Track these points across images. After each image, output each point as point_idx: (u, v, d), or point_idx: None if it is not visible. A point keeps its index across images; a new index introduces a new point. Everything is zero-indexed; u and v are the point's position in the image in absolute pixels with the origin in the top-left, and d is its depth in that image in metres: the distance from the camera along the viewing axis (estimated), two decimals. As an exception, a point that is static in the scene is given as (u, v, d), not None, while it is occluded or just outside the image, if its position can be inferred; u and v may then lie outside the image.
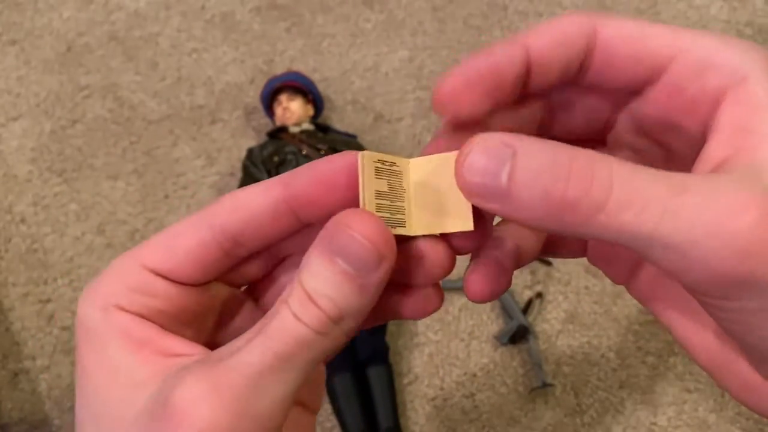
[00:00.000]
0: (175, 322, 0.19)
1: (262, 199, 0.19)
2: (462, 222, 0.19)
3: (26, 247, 0.73)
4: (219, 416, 0.16)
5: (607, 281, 0.72)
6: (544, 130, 0.22)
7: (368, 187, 0.18)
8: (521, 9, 0.86)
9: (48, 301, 0.71)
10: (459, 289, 0.71)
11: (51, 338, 0.70)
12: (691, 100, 0.17)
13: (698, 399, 0.68)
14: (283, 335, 0.17)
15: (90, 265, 0.72)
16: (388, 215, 0.19)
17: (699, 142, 0.17)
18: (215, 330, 0.22)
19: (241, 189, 0.19)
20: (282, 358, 0.17)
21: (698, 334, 0.20)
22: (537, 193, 0.15)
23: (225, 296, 0.21)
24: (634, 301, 0.74)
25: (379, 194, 0.19)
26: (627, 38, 0.18)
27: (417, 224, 0.19)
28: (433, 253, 0.19)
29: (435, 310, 0.21)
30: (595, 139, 0.22)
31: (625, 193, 0.15)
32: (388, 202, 0.19)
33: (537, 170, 0.15)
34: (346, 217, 0.17)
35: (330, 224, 0.17)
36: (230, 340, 0.21)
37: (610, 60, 0.18)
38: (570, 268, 0.73)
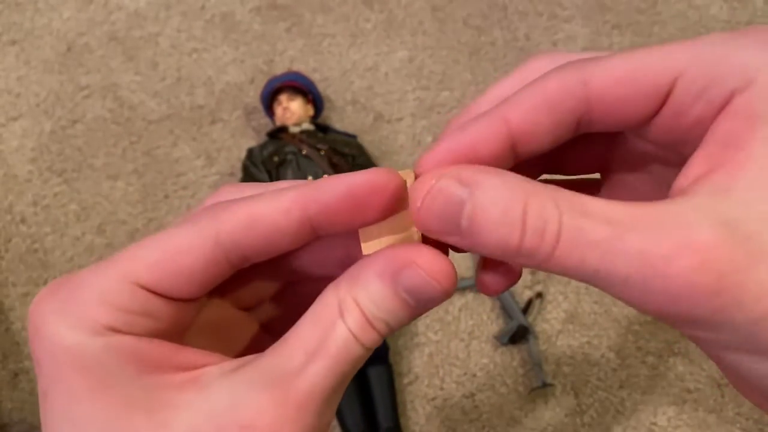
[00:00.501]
0: (167, 336, 0.18)
1: (280, 215, 0.17)
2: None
3: (26, 247, 0.73)
4: None
5: (607, 281, 0.72)
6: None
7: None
8: (521, 9, 0.86)
9: (48, 301, 0.71)
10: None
11: (51, 338, 0.70)
12: (697, 120, 0.17)
13: (698, 399, 0.68)
14: (346, 357, 0.17)
15: (90, 265, 0.72)
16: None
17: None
18: (212, 343, 0.21)
19: (252, 199, 0.18)
20: (345, 377, 0.17)
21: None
22: (496, 240, 0.16)
23: (224, 310, 0.21)
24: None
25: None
26: (621, 80, 0.17)
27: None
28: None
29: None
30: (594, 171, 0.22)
31: (571, 241, 0.15)
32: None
33: (495, 220, 0.16)
34: (417, 253, 0.17)
35: (398, 254, 0.17)
36: (225, 351, 0.20)
37: (611, 108, 0.17)
38: (570, 268, 0.73)
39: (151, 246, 0.17)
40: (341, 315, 0.17)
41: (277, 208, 0.17)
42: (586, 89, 0.17)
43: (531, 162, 0.20)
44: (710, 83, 0.16)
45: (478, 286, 0.21)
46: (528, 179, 0.16)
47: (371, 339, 0.17)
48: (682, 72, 0.16)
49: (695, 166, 0.16)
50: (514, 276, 0.20)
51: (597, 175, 0.22)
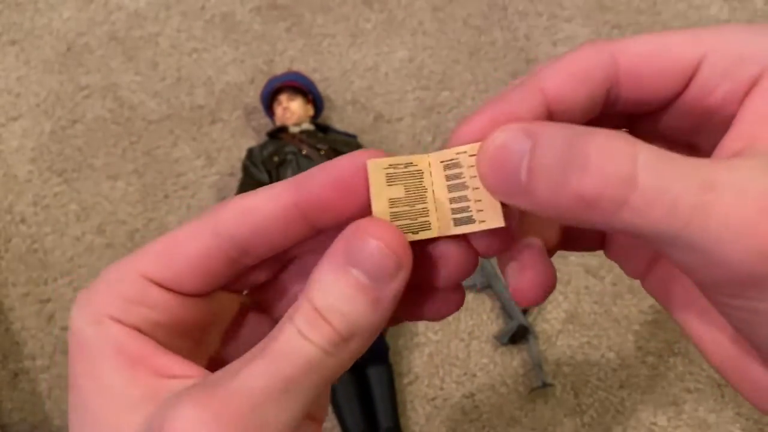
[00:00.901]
0: (174, 335, 0.18)
1: (273, 205, 0.17)
2: (491, 218, 0.17)
3: (26, 247, 0.73)
4: None
5: (607, 281, 0.72)
6: None
7: (379, 198, 0.17)
8: (521, 9, 0.86)
9: (48, 301, 0.71)
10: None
11: (51, 338, 0.70)
12: (722, 99, 0.16)
13: (698, 399, 0.68)
14: (290, 357, 0.16)
15: (90, 265, 0.72)
16: (407, 222, 0.18)
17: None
18: (221, 343, 0.20)
19: (248, 194, 0.18)
20: (288, 381, 0.16)
21: (711, 333, 0.19)
22: (552, 188, 0.14)
23: (229, 305, 0.20)
24: (635, 301, 0.74)
25: (394, 202, 0.18)
26: (649, 56, 0.17)
27: (443, 224, 0.18)
28: (456, 255, 0.18)
29: (454, 311, 0.20)
30: None
31: (652, 188, 0.13)
32: (408, 208, 0.18)
33: (553, 162, 0.14)
34: (362, 224, 0.16)
35: (344, 234, 0.16)
36: (238, 353, 0.19)
37: (639, 84, 0.17)
38: (570, 269, 0.73)
39: (159, 239, 0.18)
40: (291, 317, 0.16)
41: (268, 199, 0.17)
42: (616, 64, 0.17)
43: None
44: (736, 63, 0.16)
45: (514, 295, 0.19)
46: (597, 128, 0.15)
47: (323, 334, 0.16)
48: (708, 52, 0.16)
49: (731, 141, 0.16)
50: (552, 279, 0.19)
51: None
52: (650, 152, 0.14)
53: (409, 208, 0.18)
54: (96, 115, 0.79)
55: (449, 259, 0.18)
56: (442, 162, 0.18)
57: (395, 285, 0.16)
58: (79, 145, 0.78)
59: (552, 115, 0.17)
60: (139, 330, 0.17)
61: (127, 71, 0.82)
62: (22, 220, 0.74)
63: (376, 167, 0.17)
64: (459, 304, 0.20)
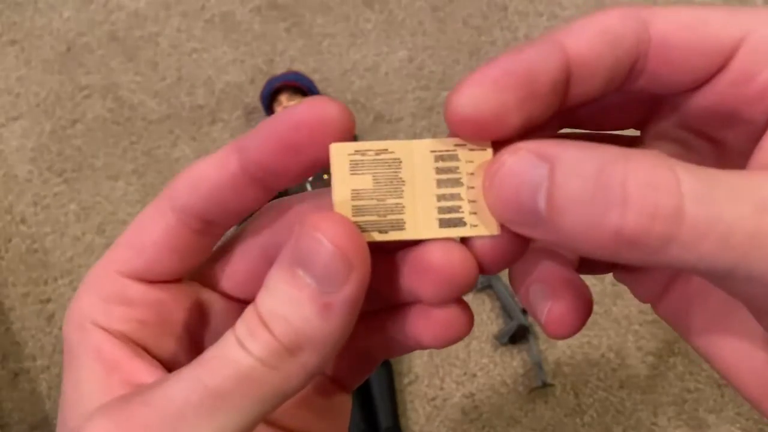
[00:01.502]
0: (159, 333, 0.17)
1: (220, 172, 0.16)
2: (486, 225, 0.15)
3: (26, 247, 0.73)
4: None
5: (608, 281, 0.72)
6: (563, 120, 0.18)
7: (341, 188, 0.15)
8: (521, 9, 0.86)
9: (48, 301, 0.71)
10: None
11: (51, 338, 0.70)
12: (761, 88, 0.14)
13: (698, 399, 0.68)
14: (220, 366, 0.14)
15: (90, 265, 0.72)
16: (374, 218, 0.15)
17: (761, 135, 0.15)
18: (206, 341, 0.19)
19: (198, 162, 0.17)
20: (215, 394, 0.14)
21: (748, 361, 0.16)
22: (583, 223, 0.12)
23: (212, 302, 0.19)
24: (635, 301, 0.74)
25: (357, 193, 0.15)
26: (685, 28, 0.15)
27: (423, 226, 0.15)
28: (451, 261, 0.15)
29: (461, 336, 0.17)
30: (626, 128, 0.18)
31: (702, 217, 0.11)
32: (375, 202, 0.15)
33: (581, 193, 0.12)
34: (311, 219, 0.14)
35: (295, 231, 0.14)
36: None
37: (669, 57, 0.15)
38: (570, 268, 0.73)
39: (126, 231, 0.17)
40: (234, 327, 0.14)
41: (214, 166, 0.16)
42: (647, 31, 0.15)
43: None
44: None
45: (547, 329, 0.17)
46: (627, 149, 0.13)
47: (263, 343, 0.14)
48: (749, 34, 0.14)
49: None
50: (587, 302, 0.17)
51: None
52: (693, 177, 0.12)
53: (377, 202, 0.15)
54: (96, 115, 0.79)
55: (440, 266, 0.15)
56: (433, 152, 0.16)
57: (348, 290, 0.14)
58: (79, 145, 0.78)
59: (571, 79, 0.15)
60: (125, 333, 0.16)
61: (127, 71, 0.82)
62: (22, 220, 0.74)
63: (339, 152, 0.15)
64: (464, 327, 0.17)
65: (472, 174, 0.15)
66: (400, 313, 0.17)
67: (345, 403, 0.20)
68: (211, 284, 0.19)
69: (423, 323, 0.17)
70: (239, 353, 0.14)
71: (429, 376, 0.69)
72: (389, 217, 0.15)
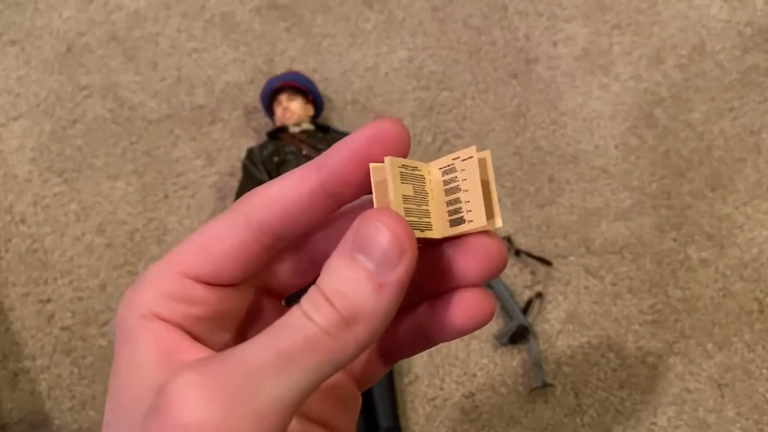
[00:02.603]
0: (213, 328, 0.19)
1: (300, 190, 0.18)
2: (477, 219, 0.18)
3: (26, 247, 0.73)
4: (209, 407, 0.15)
5: (607, 281, 0.72)
6: None
7: (396, 192, 0.18)
8: (521, 9, 0.86)
9: (48, 301, 0.71)
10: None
11: (51, 338, 0.70)
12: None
13: (698, 399, 0.68)
14: (289, 332, 0.16)
15: (90, 265, 0.72)
16: (415, 219, 0.19)
17: None
18: (251, 336, 0.21)
19: (272, 183, 0.19)
20: (285, 356, 0.16)
21: None
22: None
23: (264, 303, 0.21)
24: (634, 301, 0.74)
25: (405, 198, 0.18)
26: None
27: (442, 227, 0.19)
28: (489, 243, 0.19)
29: (489, 317, 0.20)
30: None
31: None
32: (415, 206, 0.19)
33: None
34: (369, 213, 0.17)
35: (354, 223, 0.17)
36: None
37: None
38: (570, 269, 0.73)
39: (194, 237, 0.19)
40: (300, 303, 0.17)
41: (294, 184, 0.19)
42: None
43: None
44: None
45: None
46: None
47: (325, 314, 0.16)
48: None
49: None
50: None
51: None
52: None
53: (416, 207, 0.19)
54: (96, 115, 0.79)
55: (481, 247, 0.19)
56: (440, 168, 0.19)
57: (399, 271, 0.16)
58: (79, 145, 0.78)
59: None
60: (183, 326, 0.19)
61: (127, 71, 0.82)
62: (22, 220, 0.74)
63: (394, 164, 0.18)
64: (489, 307, 0.19)
65: (465, 180, 0.19)
66: (432, 303, 0.20)
67: (358, 399, 0.23)
68: (263, 286, 0.21)
69: (457, 307, 0.19)
70: (306, 322, 0.16)
71: (429, 376, 0.69)
72: (423, 219, 0.19)
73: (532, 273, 0.73)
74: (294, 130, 0.73)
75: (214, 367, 0.16)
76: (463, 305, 0.19)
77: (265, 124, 0.79)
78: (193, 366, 0.16)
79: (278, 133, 0.73)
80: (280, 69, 0.82)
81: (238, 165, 0.76)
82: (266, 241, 0.19)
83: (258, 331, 0.21)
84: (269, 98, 0.75)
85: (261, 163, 0.71)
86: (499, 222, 0.18)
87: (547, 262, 0.73)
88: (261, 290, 0.21)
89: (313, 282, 0.19)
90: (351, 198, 0.19)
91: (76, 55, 0.83)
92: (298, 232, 0.19)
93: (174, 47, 0.83)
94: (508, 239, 0.72)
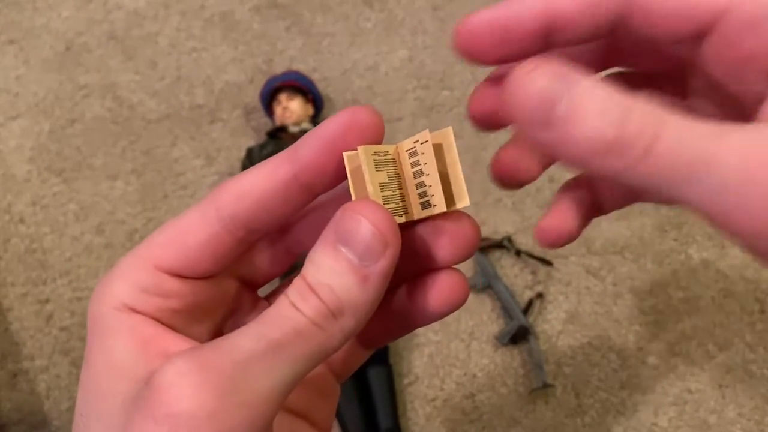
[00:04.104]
0: (188, 320, 0.19)
1: (272, 181, 0.18)
2: (439, 204, 0.18)
3: (25, 247, 0.73)
4: (201, 395, 0.15)
5: (608, 281, 0.71)
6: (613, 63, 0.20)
7: (373, 180, 0.18)
8: (522, 8, 0.86)
9: (47, 301, 0.71)
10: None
11: (50, 338, 0.69)
12: (747, 56, 0.16)
13: (699, 399, 0.68)
14: (279, 323, 0.16)
15: (89, 265, 0.72)
16: (393, 205, 0.18)
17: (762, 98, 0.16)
18: (228, 329, 0.21)
19: (244, 174, 0.19)
20: (275, 345, 0.16)
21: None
22: (590, 131, 0.15)
23: (239, 294, 0.21)
24: (635, 302, 0.73)
25: (382, 186, 0.18)
26: None
27: (416, 210, 0.19)
28: (461, 223, 0.19)
29: (462, 300, 0.20)
30: (676, 79, 0.20)
31: (671, 142, 0.14)
32: (391, 192, 0.19)
33: (596, 109, 0.15)
34: (352, 205, 0.17)
35: (336, 214, 0.17)
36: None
37: (650, 19, 0.17)
38: (571, 269, 0.72)
39: (165, 229, 0.19)
40: (286, 292, 0.17)
41: (266, 176, 0.18)
42: None
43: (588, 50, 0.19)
44: (765, 16, 0.15)
45: (537, 234, 0.20)
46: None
47: (312, 306, 0.16)
48: (737, 2, 0.16)
49: None
50: (576, 227, 0.20)
51: None
52: (674, 118, 0.15)
53: (392, 193, 0.19)
54: (95, 114, 0.79)
55: (448, 232, 0.19)
56: (406, 151, 0.19)
57: (383, 263, 0.17)
58: (78, 145, 0.78)
59: (555, 31, 0.17)
60: (156, 318, 0.18)
61: (126, 70, 0.82)
62: (21, 220, 0.74)
63: (367, 152, 0.18)
64: (463, 290, 0.20)
65: (425, 164, 0.18)
66: (408, 287, 0.20)
67: (336, 390, 0.23)
68: (238, 276, 0.21)
69: (431, 290, 0.19)
70: (294, 313, 0.16)
71: (429, 377, 0.68)
72: (400, 204, 0.19)
73: (533, 273, 0.73)
74: (294, 129, 0.73)
75: (206, 356, 0.16)
76: (437, 288, 0.19)
77: (265, 124, 0.78)
78: (183, 355, 0.16)
79: (278, 133, 0.73)
80: (279, 68, 0.81)
81: (238, 165, 0.75)
82: (239, 233, 0.19)
83: (235, 322, 0.21)
84: (269, 98, 0.75)
85: (260, 162, 0.71)
86: (465, 202, 0.18)
87: (547, 263, 0.72)
88: (236, 280, 0.21)
89: (292, 271, 0.20)
90: (325, 189, 0.19)
91: (74, 54, 0.82)
92: (272, 225, 0.19)
93: (173, 46, 0.83)
94: (509, 239, 0.72)
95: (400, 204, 0.19)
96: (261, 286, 0.22)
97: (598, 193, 0.22)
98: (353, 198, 0.18)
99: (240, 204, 0.18)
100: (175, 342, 0.18)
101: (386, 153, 0.19)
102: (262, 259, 0.21)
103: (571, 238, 0.21)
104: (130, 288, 0.18)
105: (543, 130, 0.15)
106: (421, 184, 0.19)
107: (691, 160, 0.14)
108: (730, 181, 0.14)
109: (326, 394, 0.22)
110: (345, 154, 0.18)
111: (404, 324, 0.21)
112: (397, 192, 0.19)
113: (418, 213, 0.19)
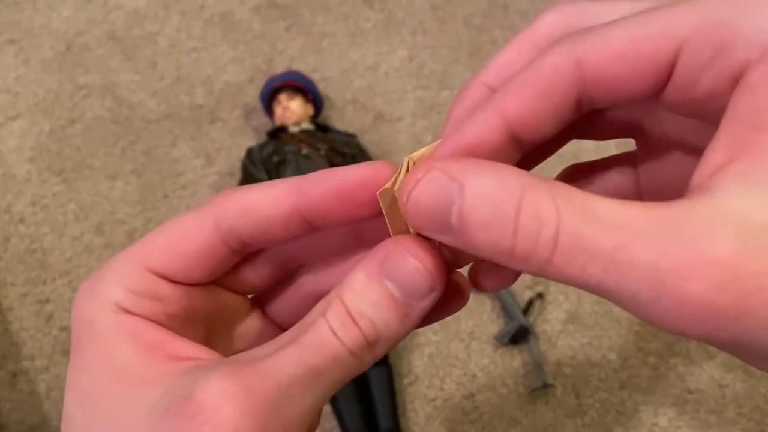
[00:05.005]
0: (181, 324, 0.19)
1: (274, 207, 0.18)
2: None
3: (25, 247, 0.73)
4: (245, 419, 0.15)
5: (608, 281, 0.71)
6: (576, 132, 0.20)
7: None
8: (522, 8, 0.86)
9: (47, 301, 0.71)
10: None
11: (50, 338, 0.69)
12: (707, 94, 0.15)
13: (699, 400, 0.68)
14: (320, 349, 0.16)
15: (89, 265, 0.72)
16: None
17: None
18: (219, 335, 0.21)
19: (249, 189, 0.18)
20: (315, 370, 0.16)
21: None
22: (486, 242, 0.14)
23: (231, 301, 0.21)
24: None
25: None
26: (617, 58, 0.15)
27: None
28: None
29: (462, 301, 0.19)
30: (634, 130, 0.19)
31: (570, 247, 0.13)
32: None
33: (485, 220, 0.14)
34: (405, 241, 0.17)
35: (384, 245, 0.17)
36: (232, 345, 0.20)
37: (608, 86, 0.16)
38: (571, 269, 0.73)
39: (161, 232, 0.19)
40: (324, 313, 0.17)
41: (269, 198, 0.18)
42: (581, 69, 0.16)
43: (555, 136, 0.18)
44: (718, 52, 0.14)
45: (471, 282, 0.19)
46: (526, 173, 0.14)
47: (353, 336, 0.16)
48: (686, 40, 0.14)
49: (716, 152, 0.14)
50: (509, 278, 0.19)
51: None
52: (572, 207, 0.14)
53: None
54: (95, 114, 0.79)
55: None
56: (415, 163, 0.18)
57: (425, 303, 0.17)
58: (77, 145, 0.78)
59: (518, 136, 0.17)
60: (150, 320, 0.18)
61: (126, 70, 0.82)
62: (21, 220, 0.74)
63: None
64: (461, 290, 0.19)
65: None
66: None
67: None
68: (231, 284, 0.21)
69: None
70: (334, 341, 0.16)
71: (429, 377, 0.68)
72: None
73: (533, 273, 0.73)
74: (294, 129, 0.73)
75: (250, 379, 0.16)
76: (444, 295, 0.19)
77: (265, 124, 0.78)
78: (225, 373, 0.16)
79: (278, 133, 0.73)
80: (279, 68, 0.81)
81: (238, 165, 0.75)
82: (235, 246, 0.18)
83: (229, 328, 0.21)
84: (269, 98, 0.75)
85: (260, 162, 0.71)
86: None
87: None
88: (228, 288, 0.21)
89: (286, 278, 0.20)
90: (327, 228, 0.18)
91: (74, 54, 0.82)
92: (269, 243, 0.19)
93: (173, 46, 0.83)
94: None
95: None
96: (253, 294, 0.22)
97: None
98: (391, 233, 0.18)
99: (241, 220, 0.18)
100: (182, 346, 0.18)
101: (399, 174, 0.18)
102: (255, 271, 0.21)
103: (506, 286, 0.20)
104: (121, 290, 0.18)
105: (446, 237, 0.15)
106: None
107: (595, 267, 0.13)
108: (641, 292, 0.13)
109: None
110: (379, 194, 0.17)
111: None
112: None
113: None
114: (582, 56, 0.16)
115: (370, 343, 0.17)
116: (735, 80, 0.14)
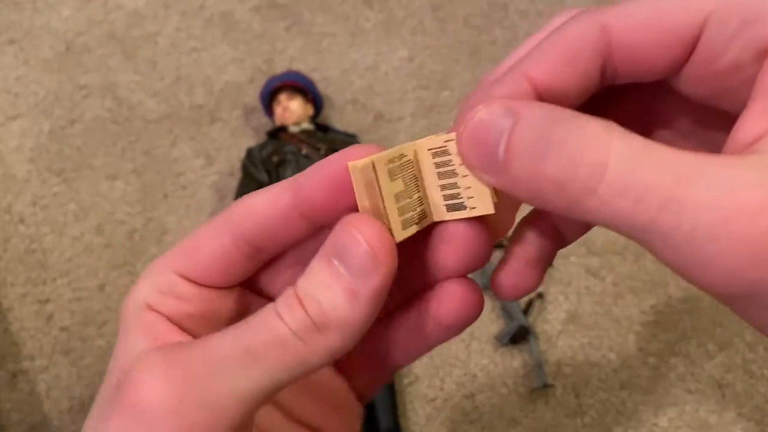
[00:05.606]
0: (203, 324, 0.20)
1: (271, 206, 0.18)
2: (482, 205, 0.17)
3: (25, 247, 0.73)
4: (165, 389, 0.16)
5: (608, 281, 0.71)
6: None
7: (388, 196, 0.17)
8: (522, 8, 0.86)
9: (47, 301, 0.71)
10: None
11: (50, 339, 0.69)
12: (733, 65, 0.15)
13: (699, 399, 0.68)
14: (259, 329, 0.16)
15: (89, 265, 0.72)
16: (411, 213, 0.18)
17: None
18: None
19: (253, 195, 0.19)
20: (250, 351, 0.16)
21: None
22: (526, 169, 0.14)
23: (260, 306, 0.21)
24: (636, 302, 0.73)
25: (398, 196, 0.18)
26: (644, 27, 0.15)
27: (439, 212, 0.18)
28: (469, 230, 0.18)
29: (476, 312, 0.19)
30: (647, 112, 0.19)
31: (621, 178, 0.13)
32: (409, 200, 0.18)
33: (530, 144, 0.14)
34: (349, 218, 0.17)
35: (335, 228, 0.17)
36: None
37: (633, 57, 0.16)
38: (571, 269, 0.72)
39: (188, 239, 0.20)
40: (275, 302, 0.17)
41: (268, 201, 0.18)
42: (607, 36, 0.16)
43: None
44: (745, 24, 0.14)
45: (492, 287, 0.19)
46: (584, 114, 0.14)
47: (297, 318, 0.16)
48: (712, 11, 0.15)
49: (748, 123, 0.14)
50: (533, 279, 0.19)
51: None
52: (627, 141, 0.13)
53: (410, 200, 0.18)
54: (95, 114, 0.79)
55: (460, 235, 0.18)
56: (429, 150, 0.18)
57: (375, 281, 0.16)
58: (77, 145, 0.78)
59: (543, 101, 0.16)
60: (170, 319, 0.19)
61: (126, 70, 0.82)
62: (21, 220, 0.74)
63: (381, 164, 0.17)
64: (476, 301, 0.19)
65: (461, 164, 0.17)
66: (419, 301, 0.19)
67: (355, 408, 0.23)
68: (254, 288, 0.21)
69: (441, 302, 0.19)
70: (276, 321, 0.16)
71: (429, 377, 0.68)
72: (418, 209, 0.18)
73: (533, 273, 0.72)
74: (294, 129, 0.73)
75: (179, 353, 0.16)
76: (445, 299, 0.19)
77: (265, 124, 0.78)
78: (160, 349, 0.17)
79: (278, 133, 0.73)
80: (279, 68, 0.81)
81: (238, 165, 0.75)
82: (247, 250, 0.19)
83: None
84: (269, 98, 0.75)
85: (260, 162, 0.71)
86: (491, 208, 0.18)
87: (547, 263, 0.72)
88: (252, 292, 0.21)
89: None
90: (327, 221, 0.18)
91: (74, 54, 0.82)
92: (278, 246, 0.19)
93: (173, 46, 0.83)
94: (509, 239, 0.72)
95: (417, 209, 0.18)
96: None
97: (558, 225, 0.21)
98: (359, 210, 0.17)
99: (246, 222, 0.19)
100: (183, 340, 0.19)
101: (402, 156, 0.18)
102: (276, 276, 0.21)
103: (529, 290, 0.20)
104: (150, 288, 0.19)
105: (490, 176, 0.15)
106: (450, 185, 0.18)
107: (651, 199, 0.13)
108: (700, 229, 0.12)
109: (343, 410, 0.22)
110: (350, 165, 0.17)
111: (421, 341, 0.20)
112: (415, 196, 0.18)
113: (440, 215, 0.18)
114: (608, 23, 0.16)
115: (317, 326, 0.16)
116: (761, 51, 0.14)
